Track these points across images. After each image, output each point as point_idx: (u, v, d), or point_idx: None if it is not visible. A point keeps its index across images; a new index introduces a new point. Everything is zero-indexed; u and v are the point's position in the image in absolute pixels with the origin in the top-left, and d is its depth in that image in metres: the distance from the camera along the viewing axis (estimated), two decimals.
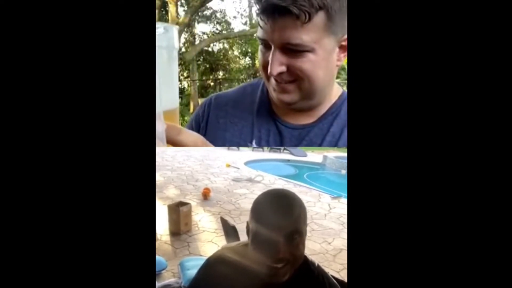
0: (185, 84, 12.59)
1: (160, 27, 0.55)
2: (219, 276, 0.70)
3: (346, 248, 1.32)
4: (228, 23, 13.20)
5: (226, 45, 13.88)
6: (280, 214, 0.60)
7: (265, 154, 9.85)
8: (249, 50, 13.55)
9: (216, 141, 0.84)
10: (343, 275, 2.42)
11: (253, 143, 0.83)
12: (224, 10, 16.22)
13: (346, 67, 0.63)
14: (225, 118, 0.86)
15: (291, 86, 0.73)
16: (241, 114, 0.85)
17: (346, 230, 1.42)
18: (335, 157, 8.27)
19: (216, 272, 0.71)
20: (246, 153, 9.52)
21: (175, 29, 0.58)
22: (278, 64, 0.69)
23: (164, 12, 10.15)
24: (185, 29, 10.28)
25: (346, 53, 0.73)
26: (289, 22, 0.65)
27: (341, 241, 3.34)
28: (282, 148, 9.72)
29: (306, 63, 0.69)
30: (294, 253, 0.61)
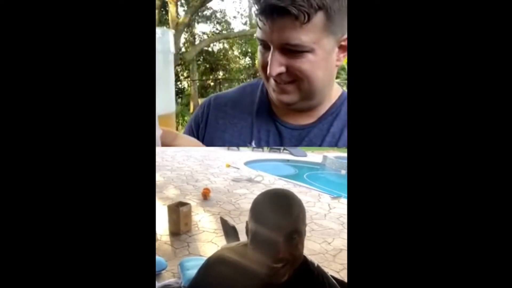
0: (185, 84, 12.59)
1: (156, 31, 0.55)
2: (219, 276, 0.70)
3: (346, 248, 1.32)
4: (228, 23, 13.21)
5: (226, 45, 13.88)
6: (279, 214, 0.60)
7: (265, 154, 9.84)
8: (249, 50, 13.54)
9: (216, 142, 0.84)
10: (343, 275, 2.42)
11: (253, 143, 0.83)
12: (224, 10, 16.28)
13: (346, 67, 0.63)
14: (224, 119, 0.86)
15: (290, 86, 0.72)
16: (241, 114, 0.85)
17: (346, 230, 1.41)
18: (335, 157, 8.27)
19: (216, 272, 0.71)
20: (246, 153, 9.51)
21: (171, 33, 0.58)
22: (277, 65, 0.69)
23: (164, 12, 10.14)
24: (185, 29, 10.27)
25: (345, 53, 0.72)
26: (288, 22, 0.65)
27: (341, 241, 3.34)
28: (282, 148, 9.71)
29: (306, 63, 0.69)
30: (293, 253, 0.61)
